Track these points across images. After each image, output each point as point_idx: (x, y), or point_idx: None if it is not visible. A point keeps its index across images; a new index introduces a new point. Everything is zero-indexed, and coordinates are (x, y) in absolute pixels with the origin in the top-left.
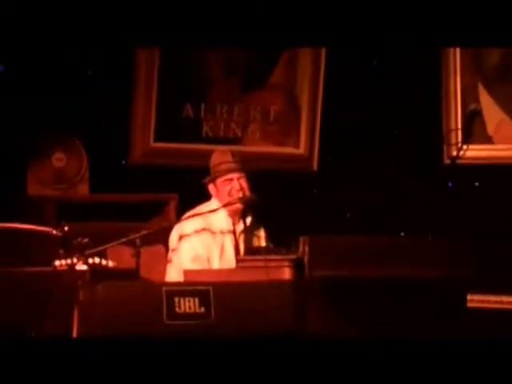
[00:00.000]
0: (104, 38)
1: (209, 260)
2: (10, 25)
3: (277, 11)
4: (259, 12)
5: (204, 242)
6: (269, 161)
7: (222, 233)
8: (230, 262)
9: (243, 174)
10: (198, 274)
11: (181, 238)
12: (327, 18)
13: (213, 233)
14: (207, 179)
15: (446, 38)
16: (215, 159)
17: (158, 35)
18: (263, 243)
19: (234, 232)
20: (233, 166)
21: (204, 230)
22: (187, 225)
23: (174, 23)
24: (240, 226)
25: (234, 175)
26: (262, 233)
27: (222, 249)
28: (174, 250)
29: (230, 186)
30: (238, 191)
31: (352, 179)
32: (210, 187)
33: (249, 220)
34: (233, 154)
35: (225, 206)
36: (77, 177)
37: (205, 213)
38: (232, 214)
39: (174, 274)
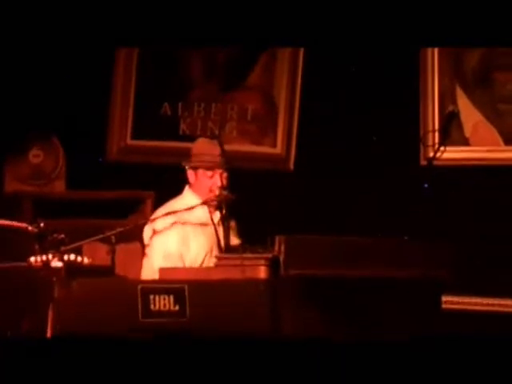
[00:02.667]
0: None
1: (181, 256)
2: None
3: (257, 10)
4: (241, 10)
5: (176, 237)
6: (246, 160)
7: (193, 225)
8: (198, 257)
9: (225, 171)
10: (174, 271)
11: (154, 233)
12: (307, 18)
13: (184, 223)
14: (188, 164)
15: (426, 38)
16: (202, 147)
17: (138, 34)
18: (234, 235)
19: (212, 223)
20: (219, 160)
21: (175, 223)
22: (159, 220)
23: (153, 22)
24: (216, 216)
25: (218, 171)
26: (232, 223)
27: (190, 243)
28: (147, 245)
29: (212, 180)
30: (219, 188)
31: (328, 179)
32: (190, 173)
33: (223, 211)
34: (221, 147)
35: (203, 203)
36: (53, 173)
37: (181, 211)
38: (208, 206)
39: (148, 270)
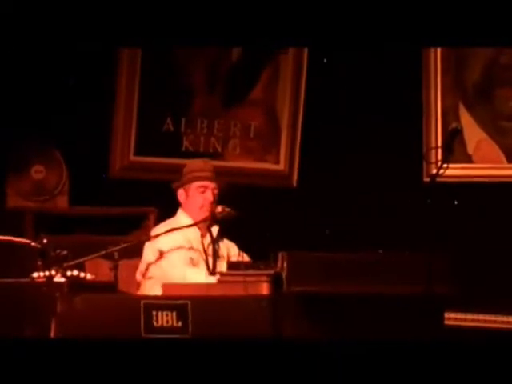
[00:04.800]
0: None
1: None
2: None
3: (260, 11)
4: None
5: (183, 257)
6: (249, 176)
7: (190, 247)
8: (201, 276)
9: (216, 186)
10: (177, 288)
11: (161, 254)
12: (312, 18)
13: (189, 249)
14: (178, 183)
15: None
16: (193, 165)
17: (141, 34)
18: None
19: (202, 244)
20: (210, 175)
21: (182, 247)
22: (165, 241)
23: (156, 22)
24: (207, 239)
25: (210, 184)
26: (235, 249)
27: (192, 262)
28: (151, 264)
29: (204, 196)
30: (211, 203)
31: (331, 196)
32: (180, 192)
33: (215, 231)
34: (212, 164)
35: (204, 220)
36: (56, 189)
37: (179, 228)
38: (200, 227)
39: (152, 290)
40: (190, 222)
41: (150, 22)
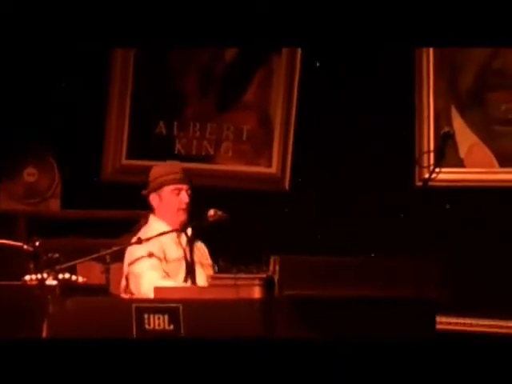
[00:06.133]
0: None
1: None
2: None
3: (255, 11)
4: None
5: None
6: (241, 180)
7: (167, 251)
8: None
9: (189, 187)
10: (168, 291)
11: (131, 263)
12: (307, 18)
13: (162, 259)
14: (149, 188)
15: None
16: (161, 170)
17: (135, 34)
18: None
19: (180, 245)
20: (183, 176)
21: (153, 255)
22: (139, 249)
23: (151, 23)
24: (183, 239)
25: (184, 186)
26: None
27: (169, 266)
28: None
29: (179, 197)
30: (187, 204)
31: (323, 200)
32: (152, 197)
33: (189, 231)
34: (181, 166)
35: (195, 225)
36: (48, 192)
37: (155, 236)
38: (174, 228)
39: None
40: (164, 227)
41: (145, 23)
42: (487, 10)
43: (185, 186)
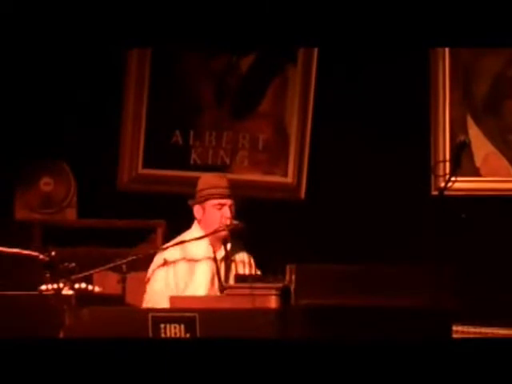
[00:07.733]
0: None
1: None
2: None
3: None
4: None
5: (178, 273)
6: (257, 189)
7: (197, 260)
8: (200, 289)
9: (233, 203)
10: (184, 300)
11: (158, 267)
12: (321, 19)
13: (189, 260)
14: (195, 200)
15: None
16: (208, 181)
17: (150, 36)
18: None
19: (215, 259)
20: (227, 191)
21: (182, 259)
22: (165, 254)
23: (166, 25)
24: (221, 253)
25: (227, 201)
26: (249, 259)
27: (194, 276)
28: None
29: (221, 212)
30: (228, 218)
31: (339, 209)
32: (196, 208)
33: (229, 246)
34: (227, 179)
35: (212, 233)
36: (64, 201)
37: (188, 241)
38: (213, 241)
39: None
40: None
41: (161, 27)
42: (503, 10)
43: (228, 201)
